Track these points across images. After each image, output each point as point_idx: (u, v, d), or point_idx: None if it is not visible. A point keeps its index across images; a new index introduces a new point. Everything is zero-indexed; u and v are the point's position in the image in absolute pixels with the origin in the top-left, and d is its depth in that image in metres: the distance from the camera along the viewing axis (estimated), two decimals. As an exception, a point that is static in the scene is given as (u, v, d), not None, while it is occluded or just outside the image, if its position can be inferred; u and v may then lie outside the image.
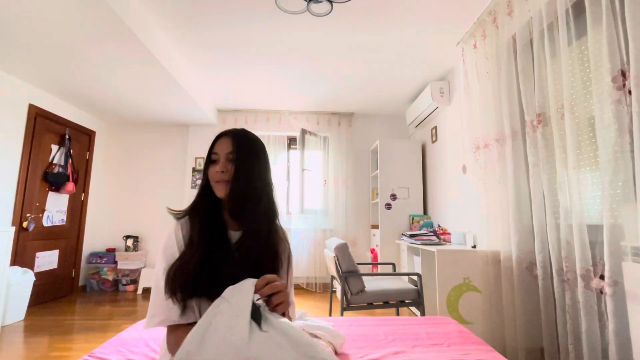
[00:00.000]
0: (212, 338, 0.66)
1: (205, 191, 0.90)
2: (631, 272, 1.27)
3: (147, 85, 3.28)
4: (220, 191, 0.86)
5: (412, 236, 3.09)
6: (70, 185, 3.70)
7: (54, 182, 3.58)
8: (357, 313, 2.61)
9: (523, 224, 2.00)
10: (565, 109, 1.61)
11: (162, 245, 0.87)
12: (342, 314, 2.32)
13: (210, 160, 0.89)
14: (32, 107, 3.32)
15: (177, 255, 0.84)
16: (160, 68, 2.87)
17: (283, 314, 0.75)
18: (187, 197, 4.44)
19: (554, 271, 1.72)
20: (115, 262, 4.16)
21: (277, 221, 0.95)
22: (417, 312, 2.61)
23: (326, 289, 4.27)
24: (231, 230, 0.92)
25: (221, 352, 0.64)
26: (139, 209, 4.55)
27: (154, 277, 0.85)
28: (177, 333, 0.80)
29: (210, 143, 0.92)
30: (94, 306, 3.45)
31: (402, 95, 4.00)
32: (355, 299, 2.33)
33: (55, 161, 3.64)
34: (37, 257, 3.44)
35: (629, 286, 1.29)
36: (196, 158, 4.55)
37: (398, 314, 2.84)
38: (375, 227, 4.14)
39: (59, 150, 3.70)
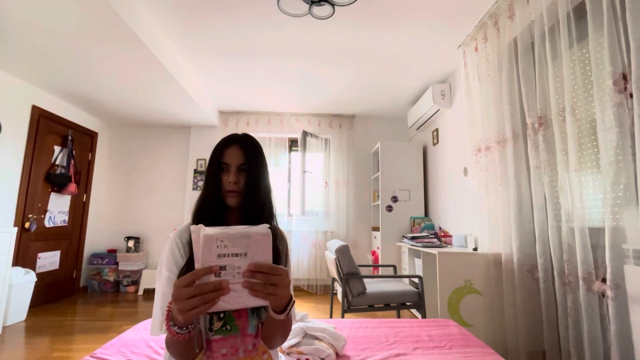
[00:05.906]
0: None
1: (211, 196, 0.89)
2: (633, 275, 1.27)
3: (149, 87, 3.30)
4: (232, 200, 0.88)
5: (413, 238, 3.09)
6: (72, 186, 3.72)
7: (56, 183, 3.59)
8: (358, 315, 2.61)
9: (524, 227, 1.99)
10: (567, 111, 1.62)
11: (164, 253, 0.86)
12: (343, 316, 2.32)
13: (220, 169, 0.89)
14: (35, 109, 3.34)
15: (181, 261, 0.83)
16: (162, 70, 2.89)
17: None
18: (188, 198, 4.45)
19: (555, 274, 1.72)
20: (117, 263, 4.17)
21: (275, 221, 0.96)
22: (418, 315, 2.60)
23: (327, 291, 4.26)
24: None
25: None
26: (141, 210, 4.56)
27: (156, 284, 0.85)
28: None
29: (216, 148, 0.91)
30: (95, 307, 3.45)
31: (403, 98, 4.00)
32: (356, 301, 2.33)
33: (57, 162, 3.66)
34: (39, 258, 3.45)
35: (630, 289, 1.29)
36: (198, 159, 4.56)
37: (399, 317, 2.83)
38: (376, 229, 4.14)
39: (62, 152, 3.71)
